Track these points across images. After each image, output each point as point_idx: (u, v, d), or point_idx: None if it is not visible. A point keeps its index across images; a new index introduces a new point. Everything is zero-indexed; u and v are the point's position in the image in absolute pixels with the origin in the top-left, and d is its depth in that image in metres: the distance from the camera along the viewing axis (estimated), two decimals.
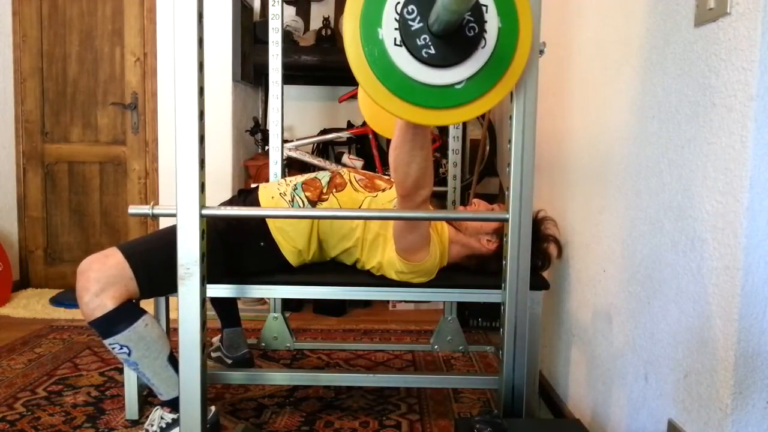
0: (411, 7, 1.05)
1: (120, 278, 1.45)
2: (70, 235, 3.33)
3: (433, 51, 1.06)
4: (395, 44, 1.06)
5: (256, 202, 1.72)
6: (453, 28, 1.05)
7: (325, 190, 1.70)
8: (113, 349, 1.46)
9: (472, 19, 1.08)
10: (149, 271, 1.48)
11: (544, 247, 1.73)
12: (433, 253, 1.58)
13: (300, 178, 1.75)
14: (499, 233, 1.66)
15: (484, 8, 1.09)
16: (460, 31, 1.07)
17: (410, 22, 1.05)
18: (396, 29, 1.05)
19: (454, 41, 1.07)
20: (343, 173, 1.77)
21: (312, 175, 1.77)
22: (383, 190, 1.72)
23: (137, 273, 1.47)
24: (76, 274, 1.45)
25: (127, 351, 1.46)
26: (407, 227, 1.51)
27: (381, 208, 1.67)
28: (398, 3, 1.05)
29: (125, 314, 1.45)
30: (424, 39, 1.06)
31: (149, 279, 1.49)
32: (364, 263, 1.70)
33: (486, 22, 1.09)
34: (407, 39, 1.05)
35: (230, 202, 1.82)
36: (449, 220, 1.77)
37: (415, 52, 1.06)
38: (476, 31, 1.08)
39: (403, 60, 1.07)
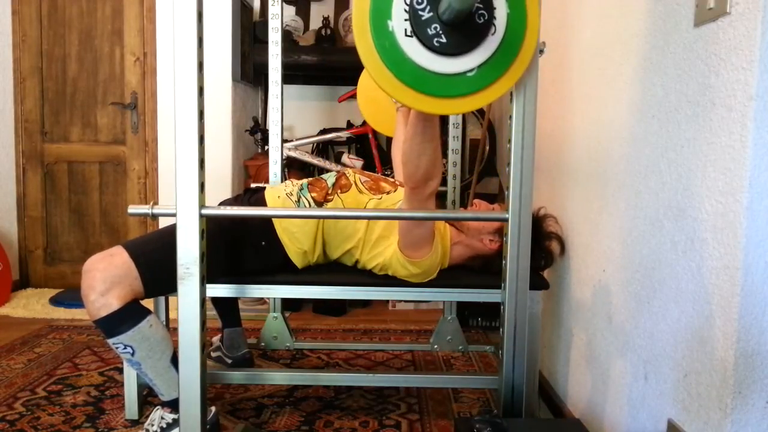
0: None
1: (125, 278, 1.45)
2: (70, 234, 3.33)
3: (444, 40, 1.06)
4: (406, 35, 1.06)
5: (261, 201, 1.72)
6: (463, 17, 1.06)
7: (330, 191, 1.70)
8: (117, 348, 1.46)
9: (481, 6, 1.09)
10: (154, 271, 1.48)
11: (547, 244, 1.73)
12: (435, 250, 1.59)
13: (306, 179, 1.76)
14: (501, 233, 1.66)
15: None
16: (470, 18, 1.08)
17: (420, 12, 1.05)
18: (406, 20, 1.06)
19: (464, 29, 1.08)
20: (348, 174, 1.77)
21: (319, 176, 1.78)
22: (388, 193, 1.72)
23: (143, 273, 1.47)
24: (82, 273, 1.45)
25: (131, 351, 1.46)
26: (415, 221, 1.51)
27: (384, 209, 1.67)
28: None
29: (130, 314, 1.45)
30: (435, 28, 1.06)
31: (154, 279, 1.49)
32: (365, 264, 1.70)
33: (495, 8, 1.10)
34: (418, 29, 1.06)
35: (236, 199, 1.83)
36: (449, 220, 1.77)
37: (426, 42, 1.06)
38: (486, 18, 1.09)
39: (414, 51, 1.07)
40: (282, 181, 2.15)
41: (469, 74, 1.10)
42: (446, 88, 1.10)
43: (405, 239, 1.56)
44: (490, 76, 1.12)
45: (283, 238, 1.68)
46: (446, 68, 1.09)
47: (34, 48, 3.22)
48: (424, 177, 1.38)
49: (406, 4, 1.06)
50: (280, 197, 1.70)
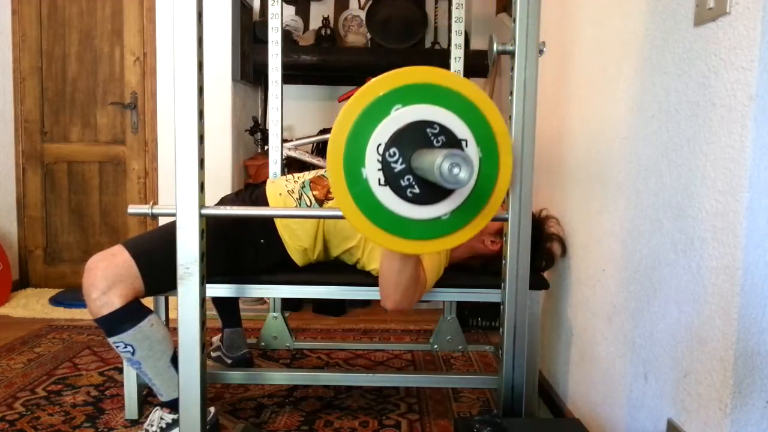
0: (392, 150, 1.06)
1: (127, 276, 1.45)
2: (70, 234, 3.33)
3: (417, 190, 1.07)
4: (380, 184, 1.07)
5: (262, 197, 1.71)
6: None
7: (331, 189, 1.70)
8: (117, 347, 1.46)
9: None
10: (155, 270, 1.48)
11: (548, 246, 1.73)
12: (431, 280, 1.58)
13: (308, 176, 1.75)
14: (503, 234, 1.66)
15: (463, 143, 1.09)
16: None
17: (393, 164, 1.06)
18: (379, 170, 1.07)
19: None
20: None
21: (320, 172, 1.77)
22: None
23: (144, 272, 1.47)
24: (84, 272, 1.46)
25: (131, 350, 1.46)
26: (402, 299, 1.45)
27: None
28: (379, 145, 1.06)
29: (132, 313, 1.45)
30: (408, 179, 1.07)
31: (155, 278, 1.49)
32: (365, 264, 1.69)
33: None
34: (391, 180, 1.06)
35: (237, 195, 1.82)
36: None
37: (399, 192, 1.07)
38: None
39: (388, 199, 1.08)
40: None
41: (444, 218, 1.11)
42: (420, 232, 1.11)
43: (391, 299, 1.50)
44: (463, 219, 1.14)
45: (284, 236, 1.67)
46: (420, 215, 1.09)
47: (34, 48, 3.22)
48: (400, 303, 1.43)
49: (378, 153, 1.06)
50: (282, 195, 1.70)
